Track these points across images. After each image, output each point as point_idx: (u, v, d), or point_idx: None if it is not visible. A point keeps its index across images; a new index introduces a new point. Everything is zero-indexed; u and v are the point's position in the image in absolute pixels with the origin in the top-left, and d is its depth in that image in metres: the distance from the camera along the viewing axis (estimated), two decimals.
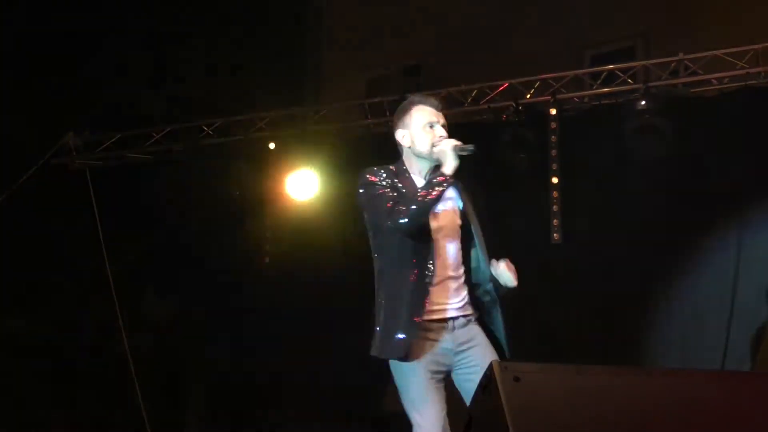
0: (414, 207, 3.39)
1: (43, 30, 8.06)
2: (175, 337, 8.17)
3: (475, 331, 3.64)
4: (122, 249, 7.97)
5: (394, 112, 3.83)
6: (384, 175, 3.53)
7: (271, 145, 7.72)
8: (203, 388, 8.08)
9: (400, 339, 3.46)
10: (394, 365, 3.50)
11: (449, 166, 3.47)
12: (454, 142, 3.51)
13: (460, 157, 3.50)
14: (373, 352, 3.53)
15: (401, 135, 3.62)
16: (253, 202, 7.85)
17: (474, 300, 3.66)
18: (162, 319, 8.26)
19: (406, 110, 3.66)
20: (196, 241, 7.93)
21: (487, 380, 4.01)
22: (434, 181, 3.45)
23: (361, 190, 3.56)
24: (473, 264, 3.67)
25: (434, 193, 3.41)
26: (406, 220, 3.39)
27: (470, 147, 3.53)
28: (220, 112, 7.99)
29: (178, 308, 8.23)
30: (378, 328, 3.52)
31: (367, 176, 3.55)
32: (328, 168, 7.44)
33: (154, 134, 8.12)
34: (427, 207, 3.41)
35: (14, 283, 7.86)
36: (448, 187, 3.47)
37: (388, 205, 3.43)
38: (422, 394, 3.46)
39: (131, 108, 8.04)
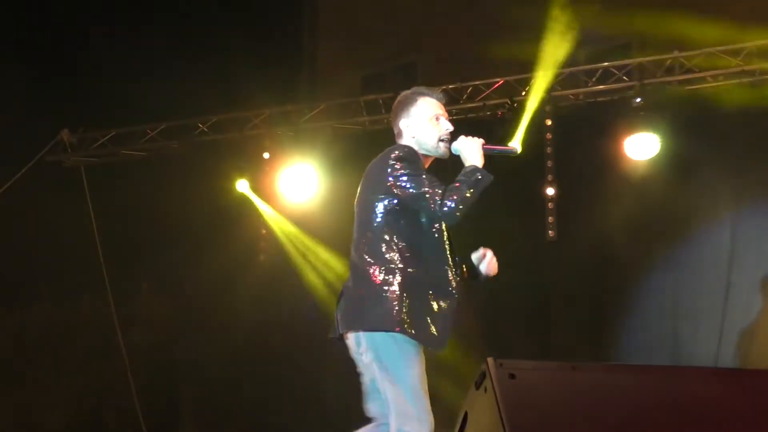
0: (469, 195, 3.25)
1: (38, 26, 8.04)
2: (169, 335, 8.16)
3: None
4: (117, 246, 7.96)
5: (389, 109, 3.79)
6: (414, 156, 3.37)
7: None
8: (198, 386, 8.07)
9: (448, 328, 3.30)
10: (409, 348, 3.22)
11: (479, 162, 3.38)
12: (481, 141, 3.45)
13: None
14: (397, 327, 3.18)
15: (405, 125, 3.53)
16: (248, 199, 7.84)
17: None
18: (156, 316, 8.26)
19: (412, 100, 3.57)
20: (190, 239, 7.92)
21: (482, 377, 4.02)
22: (478, 176, 3.31)
23: (397, 164, 3.30)
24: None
25: (481, 186, 3.30)
26: (462, 207, 3.24)
27: (511, 149, 3.51)
28: (215, 109, 7.98)
29: (173, 305, 8.22)
30: (405, 303, 3.21)
31: (404, 152, 3.35)
32: (323, 165, 7.44)
33: (149, 131, 8.11)
34: (477, 197, 3.30)
35: (8, 280, 7.85)
36: (489, 179, 3.35)
37: (436, 190, 3.24)
38: (425, 386, 3.26)
39: (126, 105, 8.02)
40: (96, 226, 7.89)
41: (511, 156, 3.51)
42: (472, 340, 6.88)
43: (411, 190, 3.29)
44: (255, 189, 7.83)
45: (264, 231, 7.86)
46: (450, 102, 7.06)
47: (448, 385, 4.69)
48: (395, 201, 3.33)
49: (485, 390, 3.93)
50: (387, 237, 3.32)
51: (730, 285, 6.35)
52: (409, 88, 3.70)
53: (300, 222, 7.69)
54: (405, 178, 3.30)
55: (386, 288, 3.25)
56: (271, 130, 7.78)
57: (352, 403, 3.65)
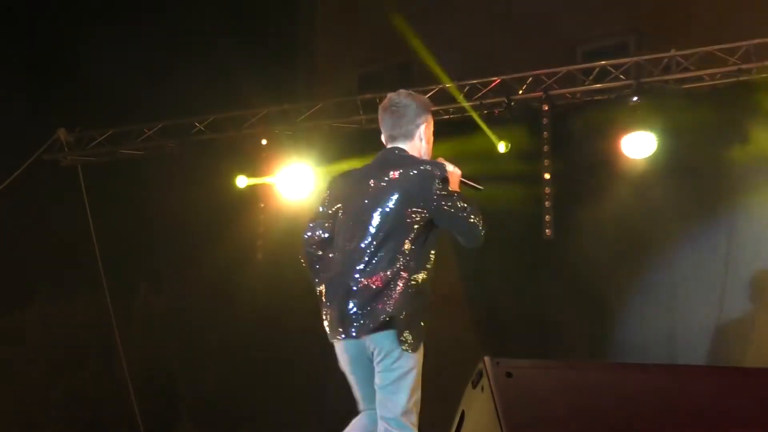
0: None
1: (36, 25, 8.03)
2: (167, 334, 8.15)
3: None
4: (114, 245, 7.96)
5: None
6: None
7: (263, 141, 7.72)
8: (196, 386, 8.07)
9: None
10: (416, 359, 3.40)
11: (457, 190, 3.54)
12: (459, 172, 3.61)
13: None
14: (415, 349, 3.38)
15: (424, 127, 3.64)
16: (246, 198, 7.84)
17: None
18: (154, 316, 8.25)
19: (430, 108, 3.72)
20: (188, 238, 7.91)
21: (479, 376, 4.02)
22: (475, 205, 3.53)
23: (442, 186, 3.46)
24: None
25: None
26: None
27: (478, 187, 3.70)
28: (213, 109, 7.98)
29: (171, 305, 8.21)
30: (419, 320, 3.42)
31: (445, 173, 3.49)
32: (320, 164, 7.44)
33: (146, 130, 8.11)
34: None
35: (6, 280, 7.84)
36: None
37: (477, 213, 3.50)
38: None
39: (123, 104, 8.01)
40: (93, 226, 7.88)
41: (478, 190, 3.69)
42: (469, 339, 6.90)
43: (453, 210, 3.46)
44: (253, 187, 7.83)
45: (261, 230, 7.85)
46: (447, 101, 7.15)
47: (445, 383, 4.68)
48: (428, 216, 3.47)
49: (482, 389, 3.93)
50: (418, 246, 3.45)
51: (726, 284, 6.36)
52: (406, 87, 3.72)
53: (297, 221, 7.68)
54: (448, 200, 3.46)
55: (416, 296, 3.39)
56: (268, 129, 7.78)
57: (353, 404, 3.65)
